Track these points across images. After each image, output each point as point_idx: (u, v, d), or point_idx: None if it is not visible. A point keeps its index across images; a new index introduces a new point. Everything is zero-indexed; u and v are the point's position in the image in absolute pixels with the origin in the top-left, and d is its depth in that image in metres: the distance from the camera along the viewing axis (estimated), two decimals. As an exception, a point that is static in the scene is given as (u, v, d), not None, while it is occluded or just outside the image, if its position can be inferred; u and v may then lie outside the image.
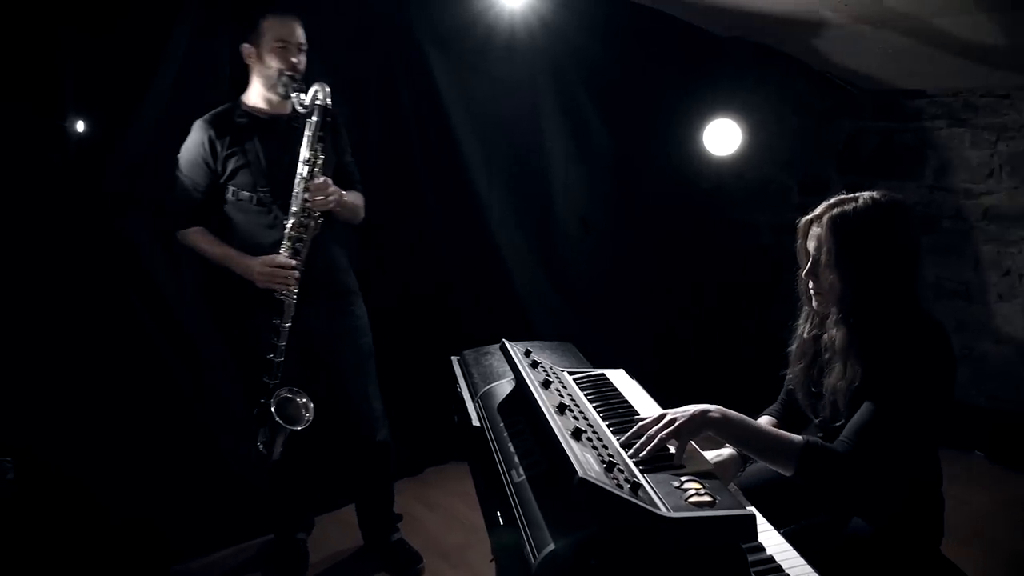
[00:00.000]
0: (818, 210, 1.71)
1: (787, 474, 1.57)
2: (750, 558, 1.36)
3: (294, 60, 2.45)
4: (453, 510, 3.18)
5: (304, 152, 2.42)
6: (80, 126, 2.50)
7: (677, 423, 1.51)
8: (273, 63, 2.44)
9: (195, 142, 2.48)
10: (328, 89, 2.40)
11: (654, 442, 1.48)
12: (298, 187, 2.43)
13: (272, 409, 2.41)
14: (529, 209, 3.82)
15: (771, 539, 1.52)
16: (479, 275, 3.70)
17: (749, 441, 1.58)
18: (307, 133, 2.41)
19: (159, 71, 2.67)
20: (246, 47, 2.47)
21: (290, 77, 2.44)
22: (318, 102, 2.40)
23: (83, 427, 2.67)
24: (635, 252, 4.16)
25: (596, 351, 2.24)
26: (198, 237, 2.52)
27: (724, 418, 1.56)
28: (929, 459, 1.71)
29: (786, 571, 1.42)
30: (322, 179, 2.45)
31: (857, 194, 1.67)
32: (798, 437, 1.57)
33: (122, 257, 2.74)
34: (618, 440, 1.53)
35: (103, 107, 2.59)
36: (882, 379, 1.57)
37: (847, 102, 4.13)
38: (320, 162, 2.44)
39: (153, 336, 2.84)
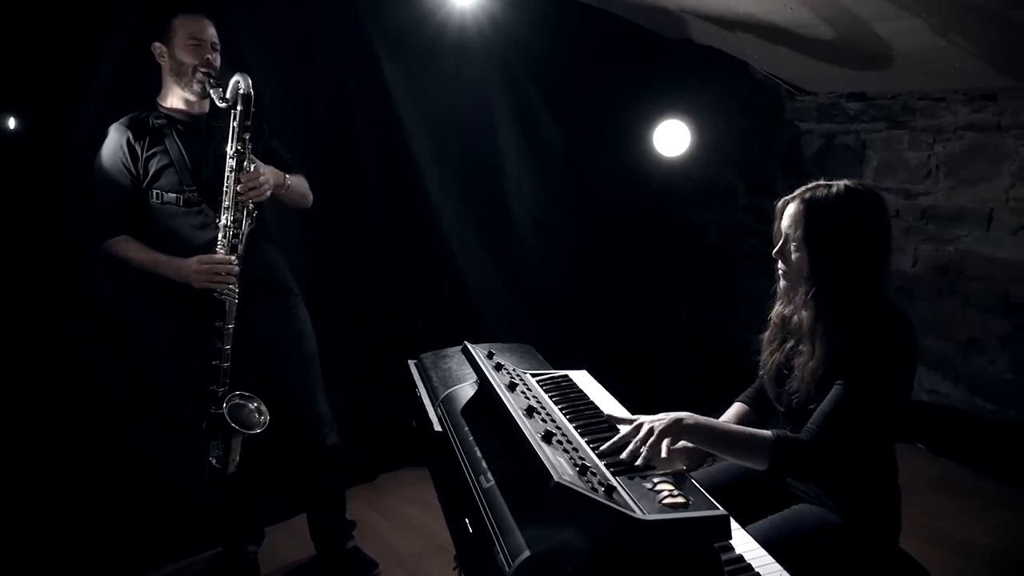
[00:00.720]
0: (796, 192, 1.74)
1: (761, 469, 1.60)
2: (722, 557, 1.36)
3: (208, 57, 2.39)
4: (409, 517, 3.12)
5: (232, 144, 2.33)
6: (11, 123, 2.37)
7: (656, 432, 1.52)
8: (187, 59, 2.36)
9: (113, 146, 2.38)
10: (249, 79, 2.31)
11: (643, 454, 1.49)
12: (229, 180, 2.33)
13: (225, 415, 2.31)
14: (481, 209, 3.79)
15: (738, 537, 1.52)
16: (430, 276, 3.65)
17: (722, 443, 1.61)
18: (232, 124, 2.32)
19: (98, 70, 2.56)
20: (157, 46, 2.39)
21: (205, 73, 2.37)
22: (240, 91, 2.30)
23: (17, 440, 2.54)
24: (587, 252, 4.17)
25: (551, 351, 2.23)
26: (124, 246, 2.40)
27: (697, 424, 1.58)
28: (886, 451, 1.74)
29: (756, 569, 1.42)
30: (253, 167, 2.36)
31: (834, 181, 1.72)
32: (768, 433, 1.60)
33: (60, 260, 2.62)
34: (587, 442, 1.52)
35: (40, 105, 2.47)
36: (847, 366, 1.61)
37: (791, 104, 4.21)
38: (249, 152, 2.35)
39: (92, 344, 2.72)
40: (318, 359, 2.67)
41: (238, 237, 2.36)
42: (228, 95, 2.31)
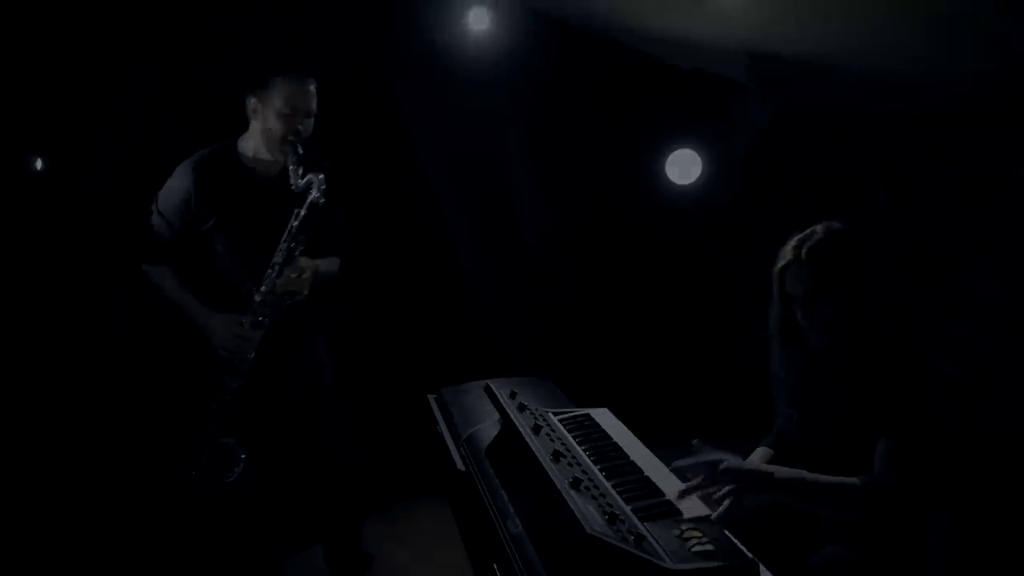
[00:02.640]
0: (788, 252, 1.78)
1: (850, 519, 1.60)
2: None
3: (300, 128, 2.30)
4: (424, 547, 3.11)
5: (284, 242, 2.29)
6: (39, 164, 2.40)
7: (739, 478, 1.53)
8: (278, 128, 2.28)
9: (181, 186, 2.34)
10: (324, 185, 2.23)
11: (714, 496, 1.51)
12: (273, 272, 2.30)
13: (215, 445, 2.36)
14: (494, 239, 3.81)
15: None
16: (443, 304, 3.67)
17: (809, 496, 1.60)
18: (292, 223, 2.27)
19: (118, 106, 2.60)
20: (252, 101, 2.31)
21: (292, 144, 2.28)
22: (310, 197, 2.24)
23: (29, 464, 2.56)
24: (599, 280, 4.19)
25: (564, 379, 2.25)
26: (163, 276, 2.43)
27: (782, 479, 1.58)
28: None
29: (783, 615, 1.42)
30: (298, 268, 2.32)
31: (813, 228, 1.76)
32: (853, 480, 1.58)
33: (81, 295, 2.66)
34: (613, 486, 1.53)
35: (62, 141, 2.51)
36: (886, 398, 1.62)
37: (802, 130, 4.23)
38: (298, 253, 2.33)
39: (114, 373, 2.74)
40: (336, 391, 2.67)
41: (266, 317, 2.35)
42: (301, 183, 2.25)
